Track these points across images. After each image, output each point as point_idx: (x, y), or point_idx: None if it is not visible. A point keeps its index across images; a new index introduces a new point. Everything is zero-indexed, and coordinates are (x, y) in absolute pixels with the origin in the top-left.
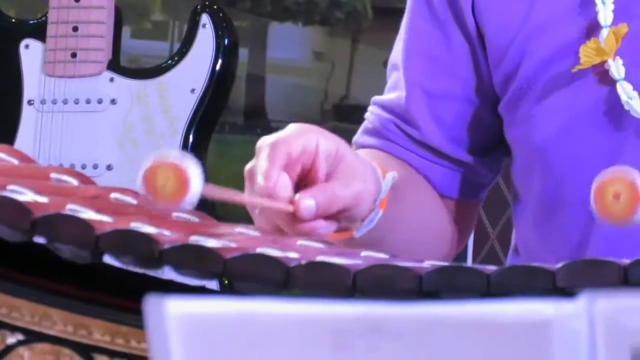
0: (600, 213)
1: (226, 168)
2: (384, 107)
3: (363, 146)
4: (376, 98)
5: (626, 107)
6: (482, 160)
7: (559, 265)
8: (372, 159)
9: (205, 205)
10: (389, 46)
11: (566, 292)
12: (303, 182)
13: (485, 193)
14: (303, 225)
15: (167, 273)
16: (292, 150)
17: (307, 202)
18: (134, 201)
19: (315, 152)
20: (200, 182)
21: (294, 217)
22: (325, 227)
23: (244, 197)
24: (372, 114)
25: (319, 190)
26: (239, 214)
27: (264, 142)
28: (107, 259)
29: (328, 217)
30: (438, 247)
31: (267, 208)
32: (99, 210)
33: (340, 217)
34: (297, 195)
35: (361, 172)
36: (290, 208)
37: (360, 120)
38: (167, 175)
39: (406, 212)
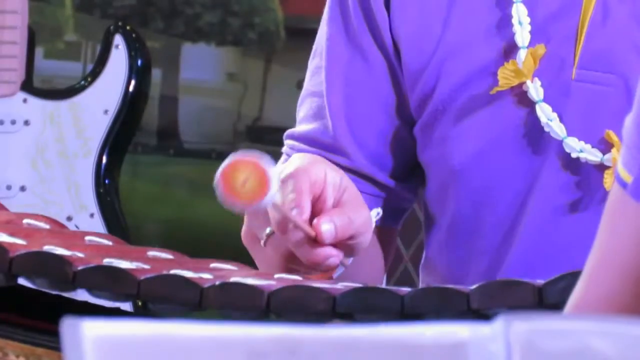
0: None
1: (139, 188)
2: (305, 140)
3: None
4: (292, 132)
5: (546, 129)
6: (405, 185)
7: (473, 286)
8: None
9: (118, 230)
10: (302, 67)
11: (480, 313)
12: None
13: (404, 217)
14: (319, 250)
15: (81, 295)
16: (311, 181)
17: (327, 225)
18: (46, 226)
19: (324, 182)
20: (278, 183)
21: (311, 243)
22: (337, 255)
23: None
24: (293, 150)
25: (336, 214)
26: (152, 238)
27: (283, 172)
28: (22, 281)
29: (338, 245)
30: (374, 279)
31: (278, 238)
32: (12, 234)
33: (350, 245)
34: (316, 220)
35: (363, 201)
36: (312, 232)
37: (274, 141)
38: (247, 174)
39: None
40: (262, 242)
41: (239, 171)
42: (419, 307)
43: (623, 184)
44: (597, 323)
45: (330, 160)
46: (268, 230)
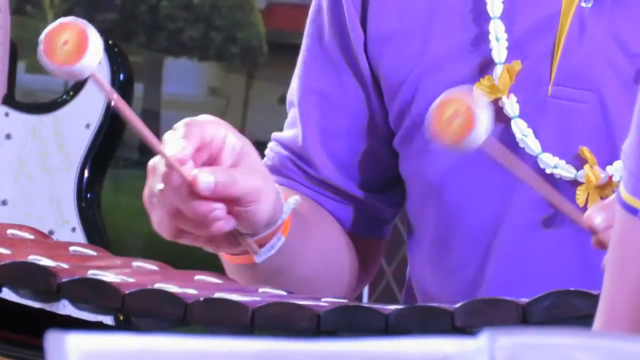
0: (434, 132)
1: (121, 203)
2: (282, 144)
3: None
4: (276, 134)
5: (521, 145)
6: (382, 197)
7: (457, 305)
8: None
9: (100, 244)
10: (284, 82)
11: (465, 332)
12: None
13: (390, 228)
14: (201, 203)
15: (64, 308)
16: (205, 133)
17: (206, 177)
18: (30, 237)
19: (223, 143)
20: (101, 44)
21: (192, 194)
22: (221, 214)
23: (156, 143)
24: (272, 151)
25: (220, 170)
26: (134, 252)
27: (175, 128)
28: (5, 292)
29: (227, 210)
30: (341, 283)
31: (165, 190)
32: None
33: (239, 212)
34: (196, 170)
35: (263, 172)
36: (190, 176)
37: None
38: (68, 35)
39: (310, 244)
40: (154, 199)
41: (60, 33)
42: (404, 326)
43: (633, 211)
44: (581, 338)
45: (300, 169)
46: (160, 185)
